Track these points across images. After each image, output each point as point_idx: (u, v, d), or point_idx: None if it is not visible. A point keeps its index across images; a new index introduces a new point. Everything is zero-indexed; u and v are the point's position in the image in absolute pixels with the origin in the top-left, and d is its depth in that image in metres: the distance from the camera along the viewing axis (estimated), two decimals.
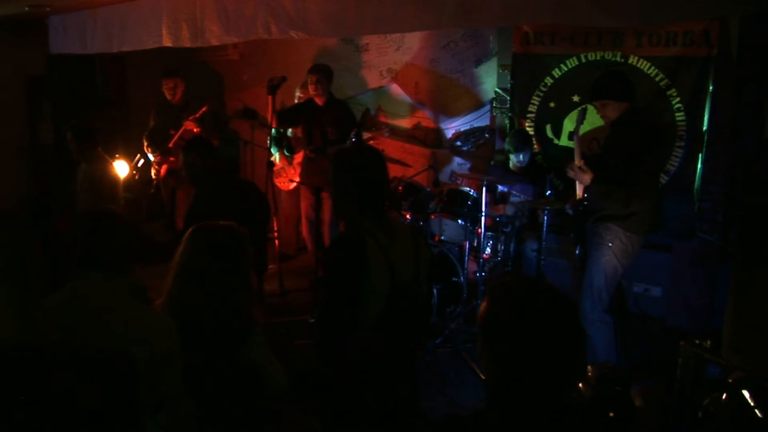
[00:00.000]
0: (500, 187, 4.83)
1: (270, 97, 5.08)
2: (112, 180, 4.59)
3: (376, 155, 2.35)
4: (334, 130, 5.12)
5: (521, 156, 4.79)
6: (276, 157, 5.75)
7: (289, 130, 5.78)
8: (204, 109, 5.48)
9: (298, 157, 5.68)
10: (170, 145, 5.56)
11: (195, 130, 5.42)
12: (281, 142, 5.73)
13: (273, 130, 5.75)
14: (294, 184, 5.61)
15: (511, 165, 4.86)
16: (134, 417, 1.39)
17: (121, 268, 1.87)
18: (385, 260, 2.10)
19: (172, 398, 1.80)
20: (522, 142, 4.78)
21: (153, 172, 5.68)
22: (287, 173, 5.81)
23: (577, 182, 3.75)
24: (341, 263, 2.12)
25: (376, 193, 2.23)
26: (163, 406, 1.69)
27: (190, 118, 5.44)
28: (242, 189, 3.89)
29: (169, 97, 5.68)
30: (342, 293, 2.10)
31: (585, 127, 4.00)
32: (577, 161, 3.64)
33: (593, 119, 4.35)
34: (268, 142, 5.36)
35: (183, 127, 5.45)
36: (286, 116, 5.29)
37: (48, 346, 1.38)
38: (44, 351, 1.34)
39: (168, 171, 5.65)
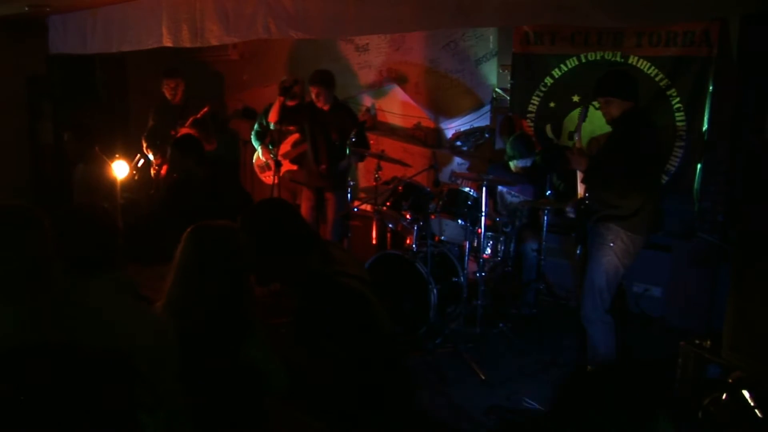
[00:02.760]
0: (500, 188, 4.83)
1: (280, 98, 5.07)
2: (110, 180, 4.59)
3: (275, 200, 2.33)
4: (339, 135, 5.08)
5: (525, 162, 4.79)
6: (259, 151, 5.75)
7: (272, 124, 5.70)
8: (205, 110, 5.47)
9: (281, 149, 5.63)
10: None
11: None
12: (264, 136, 5.71)
13: (256, 125, 5.74)
14: (276, 179, 5.56)
15: (512, 167, 4.85)
16: (132, 416, 1.39)
17: (107, 265, 1.85)
18: (370, 290, 2.11)
19: (166, 398, 1.79)
20: (526, 147, 4.77)
21: (153, 172, 5.68)
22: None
23: (578, 183, 3.75)
24: (352, 318, 2.04)
25: (307, 228, 2.23)
26: (160, 404, 1.67)
27: (191, 119, 5.44)
28: (219, 182, 3.97)
29: (170, 96, 5.67)
30: (364, 347, 2.05)
31: (585, 130, 4.00)
32: (578, 144, 3.65)
33: (594, 122, 4.35)
34: (252, 136, 5.32)
35: (180, 133, 5.45)
36: (289, 115, 5.28)
37: (46, 346, 1.38)
38: (43, 351, 1.34)
39: (168, 171, 5.65)
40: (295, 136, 5.54)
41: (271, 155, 5.66)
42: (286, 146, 5.58)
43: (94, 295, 1.79)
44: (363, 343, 2.07)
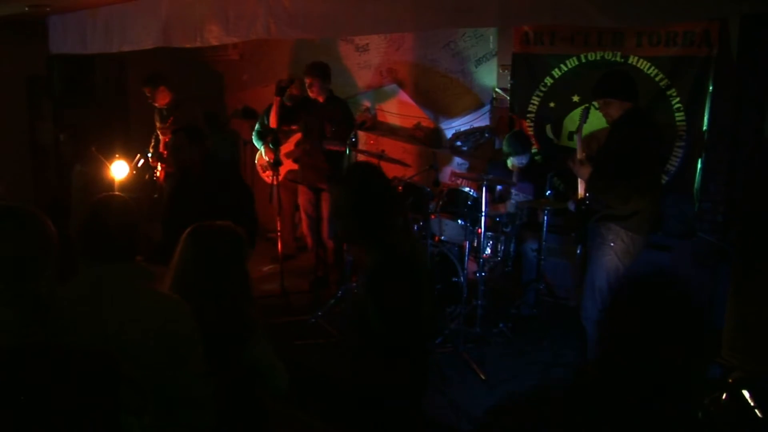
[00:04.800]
0: (500, 186, 4.83)
1: (277, 99, 5.07)
2: (107, 181, 4.60)
3: (371, 165, 2.36)
4: (332, 126, 5.12)
5: (521, 159, 4.78)
6: (262, 151, 5.76)
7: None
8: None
9: (284, 149, 5.64)
10: (161, 149, 5.62)
11: None
12: (265, 136, 5.72)
13: (257, 125, 5.77)
14: (276, 179, 5.56)
15: (509, 165, 4.85)
16: (114, 418, 1.38)
17: (129, 256, 1.87)
18: (425, 272, 2.11)
19: (193, 383, 1.80)
20: (521, 145, 4.77)
21: (154, 172, 5.71)
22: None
23: (579, 182, 3.75)
24: (401, 292, 2.03)
25: (396, 203, 2.21)
26: (147, 407, 1.67)
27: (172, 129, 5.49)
28: (222, 179, 4.00)
29: (156, 104, 5.76)
30: (407, 321, 2.04)
31: (585, 129, 4.01)
32: (579, 155, 3.65)
33: (593, 120, 4.35)
34: (253, 136, 5.32)
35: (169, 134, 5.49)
36: (287, 115, 5.30)
37: (30, 348, 1.38)
38: (26, 353, 1.34)
39: (166, 173, 5.67)
40: (299, 135, 5.55)
41: (274, 154, 5.67)
42: (289, 146, 5.59)
43: (119, 283, 1.80)
44: (407, 323, 2.07)
